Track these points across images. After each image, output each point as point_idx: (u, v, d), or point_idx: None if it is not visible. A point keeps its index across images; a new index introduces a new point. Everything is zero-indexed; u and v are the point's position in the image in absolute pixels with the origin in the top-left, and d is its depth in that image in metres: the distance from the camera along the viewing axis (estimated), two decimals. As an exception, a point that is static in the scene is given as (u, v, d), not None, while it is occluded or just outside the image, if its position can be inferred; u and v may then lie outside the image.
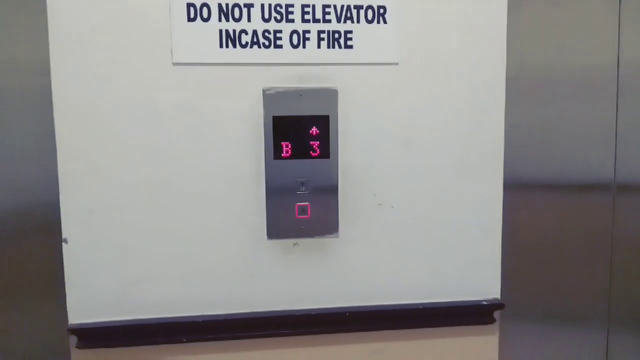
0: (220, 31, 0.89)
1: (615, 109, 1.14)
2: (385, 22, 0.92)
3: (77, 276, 0.92)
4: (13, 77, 0.98)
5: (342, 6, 0.91)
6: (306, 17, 0.90)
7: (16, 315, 1.04)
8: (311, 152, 0.92)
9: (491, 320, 1.03)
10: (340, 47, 0.92)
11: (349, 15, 0.91)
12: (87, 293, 0.92)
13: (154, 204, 0.92)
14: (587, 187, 1.17)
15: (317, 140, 0.92)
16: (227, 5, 0.89)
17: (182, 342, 0.96)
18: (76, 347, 0.93)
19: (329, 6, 0.91)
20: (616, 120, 1.15)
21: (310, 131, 0.91)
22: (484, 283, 1.01)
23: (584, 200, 1.18)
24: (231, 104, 0.91)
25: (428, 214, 0.98)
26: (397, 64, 0.93)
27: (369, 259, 0.98)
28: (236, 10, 0.89)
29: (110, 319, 0.93)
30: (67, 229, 0.91)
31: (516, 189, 1.11)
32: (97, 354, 0.94)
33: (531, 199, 1.16)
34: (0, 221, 1.00)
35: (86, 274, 0.92)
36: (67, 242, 0.91)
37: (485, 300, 1.01)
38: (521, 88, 1.10)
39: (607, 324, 1.21)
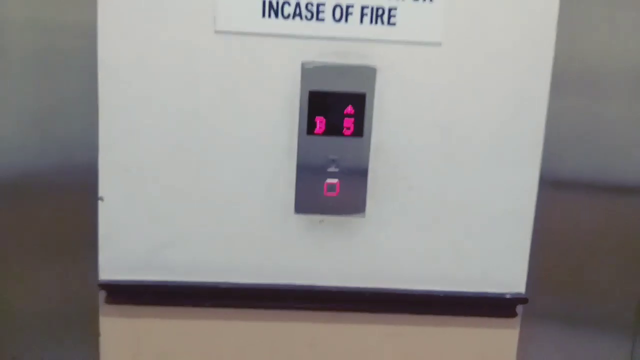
0: (264, 1, 0.89)
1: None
2: (430, 0, 0.90)
3: (110, 234, 0.95)
4: (61, 38, 1.01)
5: (388, -18, 0.89)
6: (350, -9, 0.89)
7: (52, 269, 1.08)
8: (345, 129, 0.91)
9: (513, 314, 1.02)
10: (382, 23, 0.90)
11: (394, -9, 0.89)
12: (118, 251, 0.95)
13: (187, 169, 0.93)
14: (627, 190, 1.13)
15: (351, 118, 0.91)
16: (272, -25, 0.88)
17: (204, 306, 0.98)
18: (105, 301, 0.97)
19: (374, -19, 0.89)
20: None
21: (346, 109, 0.91)
22: (509, 276, 1.00)
23: (622, 203, 1.13)
24: (269, 75, 0.91)
25: (458, 201, 0.96)
26: (440, 44, 0.91)
27: (393, 242, 0.97)
28: (280, -20, 0.89)
29: (138, 278, 0.96)
30: (104, 187, 0.93)
31: (552, 183, 1.08)
32: (124, 310, 0.98)
33: (567, 195, 1.12)
34: (43, 177, 1.04)
35: (118, 233, 0.95)
36: (103, 200, 0.94)
37: (509, 294, 1.00)
38: (568, 78, 1.05)
39: (635, 332, 1.17)
